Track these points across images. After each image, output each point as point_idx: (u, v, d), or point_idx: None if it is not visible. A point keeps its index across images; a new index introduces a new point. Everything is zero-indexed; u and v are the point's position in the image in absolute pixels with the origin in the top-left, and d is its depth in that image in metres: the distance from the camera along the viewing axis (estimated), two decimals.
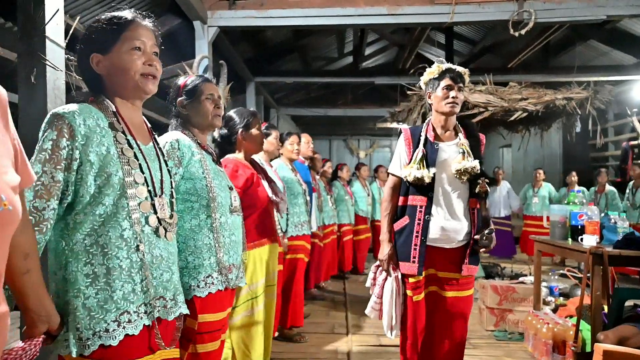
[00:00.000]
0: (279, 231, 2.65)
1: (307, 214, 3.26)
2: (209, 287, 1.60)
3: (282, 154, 3.36)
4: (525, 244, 6.87)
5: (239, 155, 2.29)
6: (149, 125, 1.39)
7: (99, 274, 1.12)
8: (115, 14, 1.27)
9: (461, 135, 2.17)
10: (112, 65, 1.23)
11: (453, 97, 2.09)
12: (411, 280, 2.12)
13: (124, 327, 1.13)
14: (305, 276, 4.34)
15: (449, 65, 2.15)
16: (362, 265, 5.97)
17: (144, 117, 1.38)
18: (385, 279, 2.20)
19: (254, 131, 2.30)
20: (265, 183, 2.26)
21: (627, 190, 6.09)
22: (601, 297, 2.55)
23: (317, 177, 4.92)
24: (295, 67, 8.51)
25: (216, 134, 2.33)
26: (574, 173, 6.83)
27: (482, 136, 2.22)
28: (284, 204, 2.37)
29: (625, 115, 6.80)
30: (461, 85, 2.12)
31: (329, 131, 13.35)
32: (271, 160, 3.07)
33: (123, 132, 1.22)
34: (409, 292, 2.13)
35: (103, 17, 1.27)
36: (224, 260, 1.65)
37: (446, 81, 2.11)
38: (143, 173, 1.22)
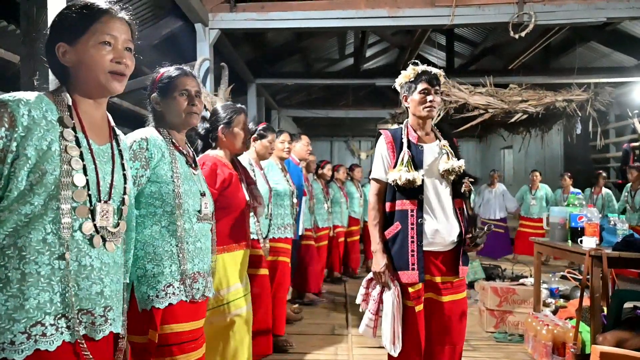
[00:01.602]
0: (258, 235, 2.54)
1: (291, 217, 3.08)
2: (169, 297, 1.48)
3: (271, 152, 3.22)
4: (523, 245, 6.91)
5: (219, 153, 2.13)
6: (113, 123, 1.26)
7: (12, 279, 0.99)
8: (90, 0, 1.15)
9: (440, 136, 2.16)
10: (77, 58, 1.12)
11: (430, 101, 2.05)
12: (411, 289, 2.02)
13: (35, 341, 0.99)
14: (300, 281, 4.27)
15: (424, 67, 2.11)
16: (357, 267, 5.94)
17: (108, 113, 1.26)
18: (381, 292, 2.08)
19: (235, 129, 2.13)
20: (244, 186, 2.12)
21: (625, 193, 6.11)
22: (601, 298, 2.56)
23: (312, 178, 4.81)
24: (296, 69, 8.54)
25: (200, 127, 2.18)
26: (566, 176, 6.84)
27: (455, 139, 2.22)
28: (262, 209, 2.23)
29: (626, 116, 6.81)
30: (437, 87, 2.09)
31: (330, 132, 13.39)
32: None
33: (74, 129, 1.10)
34: (409, 303, 2.03)
35: (77, 3, 1.14)
36: (187, 268, 1.52)
37: (422, 85, 2.06)
38: (86, 175, 1.09)
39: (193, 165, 1.64)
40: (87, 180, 1.09)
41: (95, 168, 1.12)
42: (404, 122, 2.20)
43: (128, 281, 1.34)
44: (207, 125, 2.17)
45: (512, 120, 5.52)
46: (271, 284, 2.89)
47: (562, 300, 3.82)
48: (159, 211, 1.50)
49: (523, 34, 4.24)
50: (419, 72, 2.10)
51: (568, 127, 6.22)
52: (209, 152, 2.13)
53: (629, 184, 6.09)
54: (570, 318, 3.08)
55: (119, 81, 1.15)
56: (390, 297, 2.03)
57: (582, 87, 5.49)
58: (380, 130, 2.22)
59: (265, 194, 2.65)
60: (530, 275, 4.00)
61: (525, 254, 6.77)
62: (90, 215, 1.09)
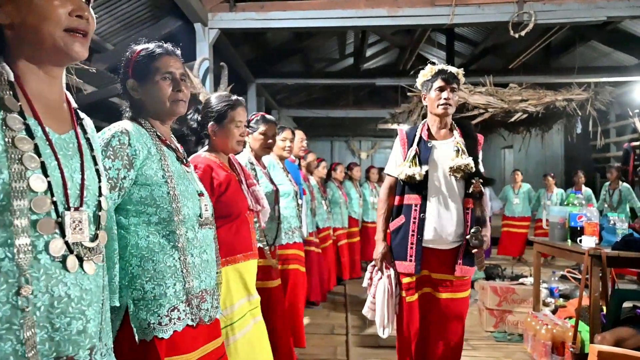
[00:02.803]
0: (264, 243, 2.27)
1: (298, 219, 2.89)
2: (174, 323, 1.24)
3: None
4: (508, 245, 7.00)
5: (212, 153, 1.86)
6: (75, 105, 0.98)
7: None
8: None
9: (457, 134, 2.18)
10: (19, 13, 0.83)
11: (445, 99, 2.09)
12: (405, 280, 2.13)
13: None
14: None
15: (442, 66, 2.16)
16: (358, 269, 5.75)
17: (67, 92, 0.98)
18: (380, 278, 2.21)
19: (229, 126, 1.83)
20: (244, 188, 1.88)
21: (604, 192, 6.21)
22: (600, 298, 2.55)
23: (312, 178, 4.67)
24: (296, 69, 8.54)
25: (192, 119, 1.90)
26: (549, 177, 6.98)
27: (480, 136, 2.22)
28: (266, 213, 2.03)
29: (626, 116, 6.80)
30: (455, 85, 2.11)
31: (330, 132, 13.40)
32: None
33: (21, 113, 0.82)
34: (402, 293, 2.14)
35: None
36: (194, 286, 1.29)
37: (439, 82, 2.11)
38: (47, 176, 0.82)
39: (184, 161, 1.41)
40: (49, 183, 0.82)
41: (59, 164, 0.86)
42: (423, 120, 2.28)
43: (118, 304, 1.14)
44: (198, 117, 1.89)
45: (513, 119, 5.52)
46: (284, 295, 2.68)
47: (561, 299, 3.81)
48: (153, 219, 1.26)
49: (523, 33, 4.23)
50: (436, 70, 2.15)
51: (568, 127, 6.22)
52: (200, 152, 1.87)
53: (607, 183, 6.18)
54: (570, 317, 3.08)
55: (81, 43, 0.88)
56: (382, 284, 2.16)
57: (583, 86, 5.48)
58: (397, 129, 2.31)
59: (271, 195, 2.45)
60: (530, 275, 4.00)
61: (510, 255, 6.99)
62: (58, 230, 0.83)
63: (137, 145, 1.25)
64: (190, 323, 1.28)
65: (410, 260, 2.09)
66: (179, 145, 1.45)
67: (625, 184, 6.14)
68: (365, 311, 2.28)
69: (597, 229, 2.85)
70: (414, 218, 2.09)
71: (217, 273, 1.45)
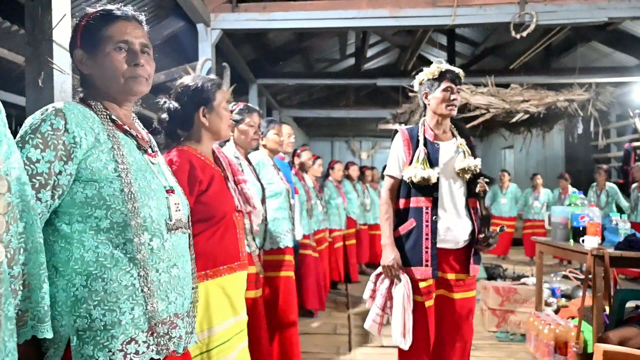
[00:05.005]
0: (253, 247, 1.96)
1: (291, 221, 2.67)
2: (131, 359, 0.97)
3: (265, 145, 2.75)
4: (498, 244, 7.05)
5: (195, 146, 1.59)
6: None
7: None
8: None
9: (457, 134, 2.17)
10: None
11: (454, 99, 2.07)
12: (422, 285, 2.05)
13: None
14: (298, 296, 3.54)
15: (448, 66, 2.13)
16: (355, 273, 5.43)
17: None
18: (390, 287, 2.10)
19: (219, 108, 1.59)
20: (230, 185, 1.62)
21: (591, 192, 6.35)
22: (603, 298, 2.56)
23: (307, 177, 4.44)
24: (297, 69, 8.55)
25: (166, 108, 1.59)
26: (538, 176, 7.11)
27: (471, 138, 2.23)
28: (259, 214, 1.79)
29: (627, 116, 6.81)
30: (460, 87, 2.11)
31: (331, 132, 13.43)
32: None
33: None
34: (419, 298, 2.05)
35: None
36: (158, 310, 1.02)
37: (446, 83, 2.07)
38: None
39: (150, 150, 1.15)
40: None
41: None
42: (421, 120, 2.21)
43: (50, 335, 0.89)
44: (177, 105, 1.57)
45: (514, 120, 5.54)
46: (276, 306, 2.51)
47: (563, 299, 3.83)
48: (103, 224, 0.99)
49: (524, 34, 4.24)
50: (443, 70, 2.10)
51: (569, 127, 6.25)
52: (180, 147, 1.57)
53: (594, 184, 6.34)
54: (572, 317, 3.09)
55: None
56: (401, 290, 2.04)
57: (584, 87, 5.50)
58: (397, 128, 2.25)
59: (258, 193, 2.22)
60: (532, 275, 4.01)
61: (494, 253, 7.04)
62: None
63: (77, 131, 0.98)
64: (155, 357, 1.02)
65: (427, 265, 2.03)
66: (144, 132, 1.19)
67: (611, 184, 6.22)
68: (369, 325, 2.11)
69: (599, 229, 2.86)
70: (427, 221, 2.04)
71: (192, 289, 1.18)
